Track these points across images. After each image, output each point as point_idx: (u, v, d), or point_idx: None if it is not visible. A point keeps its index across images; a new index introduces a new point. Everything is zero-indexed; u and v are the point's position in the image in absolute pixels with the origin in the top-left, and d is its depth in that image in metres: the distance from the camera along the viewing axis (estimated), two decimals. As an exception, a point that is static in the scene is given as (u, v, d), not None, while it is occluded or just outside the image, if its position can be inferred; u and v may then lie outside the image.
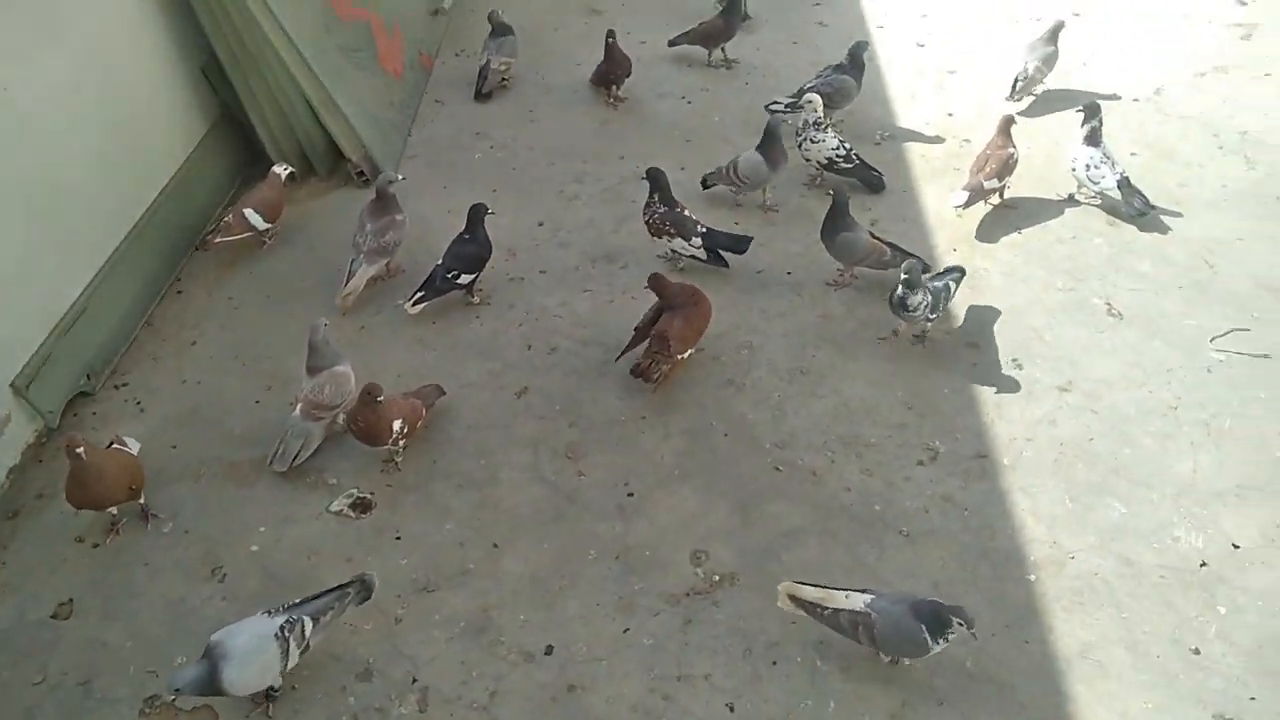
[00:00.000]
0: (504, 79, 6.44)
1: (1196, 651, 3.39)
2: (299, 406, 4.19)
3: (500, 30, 6.39)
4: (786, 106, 5.77)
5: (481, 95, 6.33)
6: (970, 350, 4.53)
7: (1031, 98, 6.04)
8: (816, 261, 4.98)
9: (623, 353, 4.48)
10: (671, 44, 6.58)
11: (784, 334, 4.68)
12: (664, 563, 3.77)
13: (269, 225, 5.20)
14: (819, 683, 3.38)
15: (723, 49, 6.52)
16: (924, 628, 3.13)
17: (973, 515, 3.86)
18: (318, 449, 4.22)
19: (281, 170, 5.30)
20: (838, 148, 5.27)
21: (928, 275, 4.50)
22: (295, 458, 4.14)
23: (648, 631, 3.56)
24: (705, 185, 5.39)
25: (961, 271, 4.63)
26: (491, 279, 5.00)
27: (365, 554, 3.87)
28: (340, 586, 3.46)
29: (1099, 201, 5.18)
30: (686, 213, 4.90)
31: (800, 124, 5.34)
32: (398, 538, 3.94)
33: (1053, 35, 5.91)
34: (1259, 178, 5.33)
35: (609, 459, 4.17)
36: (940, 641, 3.15)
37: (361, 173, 5.69)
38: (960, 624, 3.09)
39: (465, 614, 3.65)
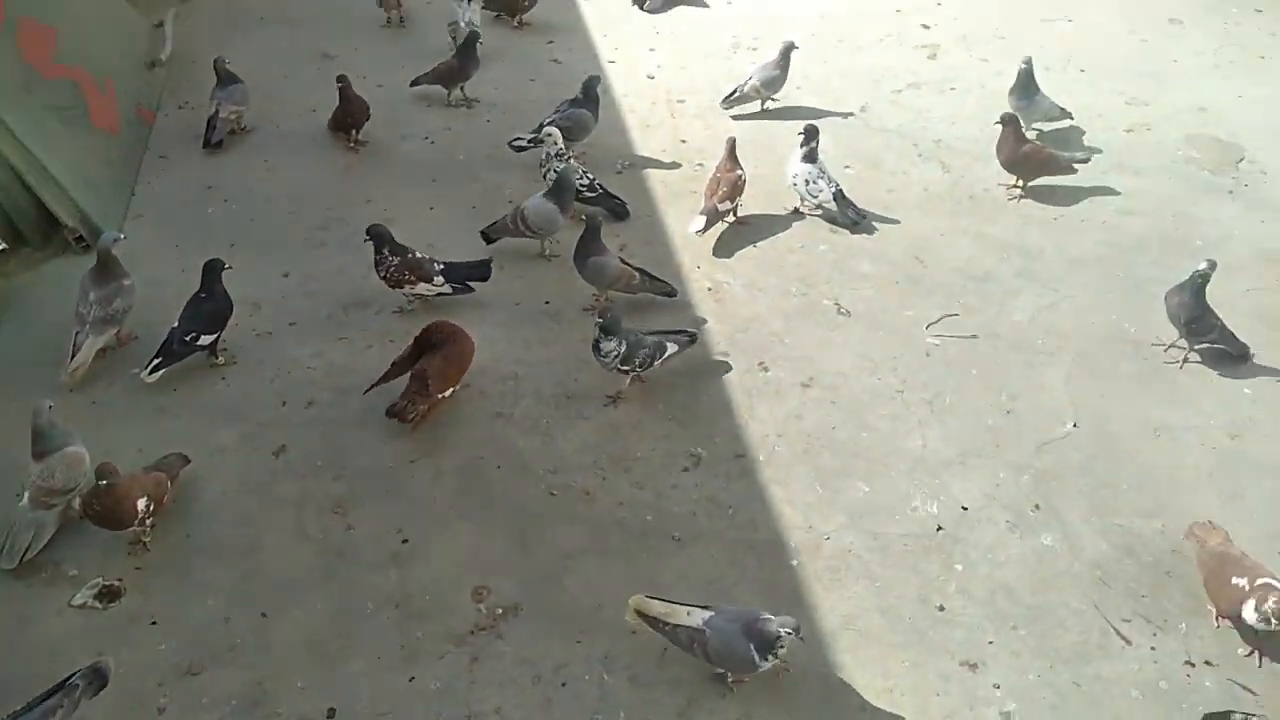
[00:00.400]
0: (235, 128, 6.19)
1: (941, 608, 3.73)
2: (27, 495, 3.84)
3: (228, 79, 6.14)
4: (529, 141, 5.89)
5: (211, 145, 6.04)
6: (722, 359, 4.78)
7: (756, 104, 6.51)
8: (572, 288, 5.09)
9: (375, 384, 4.41)
10: (413, 85, 6.57)
11: (547, 361, 4.76)
12: (445, 604, 3.73)
13: (-27, 302, 4.74)
14: (608, 696, 3.45)
15: (461, 88, 6.58)
16: (752, 646, 3.27)
17: (737, 512, 4.07)
18: (52, 539, 3.87)
19: (-3, 245, 4.87)
20: (581, 177, 5.43)
21: (655, 331, 4.59)
22: (26, 551, 3.78)
23: (434, 676, 3.51)
24: (489, 239, 5.31)
25: (691, 337, 4.64)
26: (236, 337, 4.79)
27: (118, 646, 3.57)
28: (65, 681, 3.18)
29: (820, 212, 5.62)
30: (419, 255, 4.88)
31: (543, 156, 5.48)
32: (153, 623, 3.67)
33: (782, 58, 6.39)
34: (953, 180, 5.97)
35: (379, 508, 4.08)
36: (769, 658, 3.29)
37: (80, 238, 5.29)
38: (790, 633, 3.25)
39: (236, 691, 3.46)
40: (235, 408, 4.50)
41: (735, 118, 6.48)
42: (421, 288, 4.84)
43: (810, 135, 5.47)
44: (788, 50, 6.40)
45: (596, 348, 4.35)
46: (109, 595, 3.76)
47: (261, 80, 6.58)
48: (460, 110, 6.56)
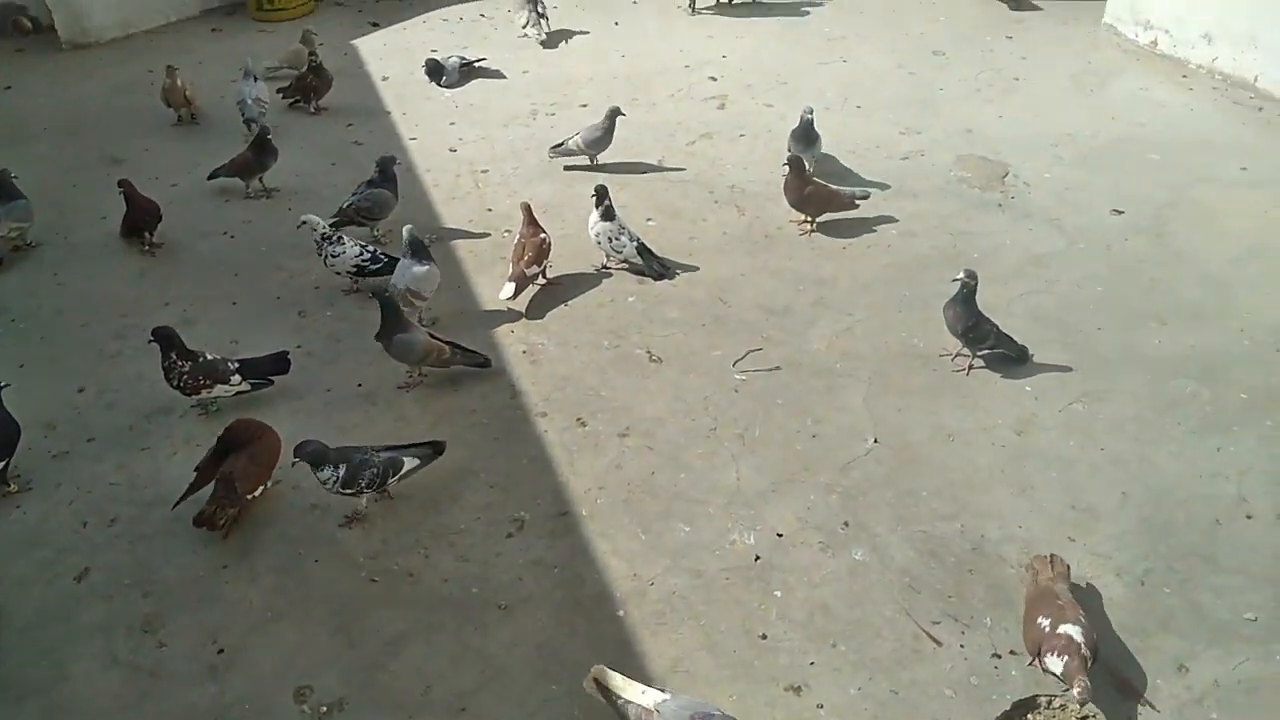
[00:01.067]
0: (19, 245, 5.94)
1: (764, 636, 3.85)
2: None
3: (9, 193, 5.90)
4: (330, 225, 5.85)
5: None
6: (541, 419, 4.84)
7: (585, 160, 6.75)
8: (384, 369, 5.07)
9: (182, 497, 4.26)
10: (210, 178, 6.47)
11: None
12: (267, 711, 3.60)
13: None
14: (442, 778, 3.40)
15: (260, 179, 6.51)
16: None
17: (562, 570, 4.11)
18: None
19: None
20: (360, 253, 5.49)
21: (385, 448, 4.31)
22: None
23: (259, 787, 3.39)
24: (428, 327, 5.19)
25: (436, 449, 4.40)
26: (30, 461, 4.55)
27: (-91, 812, 3.32)
28: None
29: (627, 266, 5.79)
30: (211, 356, 4.78)
31: (314, 243, 5.51)
32: (-53, 780, 3.43)
33: (607, 120, 6.61)
34: (748, 221, 6.27)
35: (192, 620, 3.92)
36: None
37: None
38: None
39: (43, 839, 3.25)
40: (32, 536, 4.27)
41: (564, 175, 6.66)
42: (219, 390, 4.73)
43: (600, 195, 5.65)
44: (613, 114, 6.61)
45: (318, 478, 4.15)
46: (-103, 759, 3.52)
47: (47, 192, 6.38)
48: (261, 201, 6.49)
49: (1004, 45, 8.49)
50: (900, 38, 8.66)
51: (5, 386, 4.40)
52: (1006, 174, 6.74)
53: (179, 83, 7.16)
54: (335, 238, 5.48)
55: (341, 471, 4.12)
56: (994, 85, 7.88)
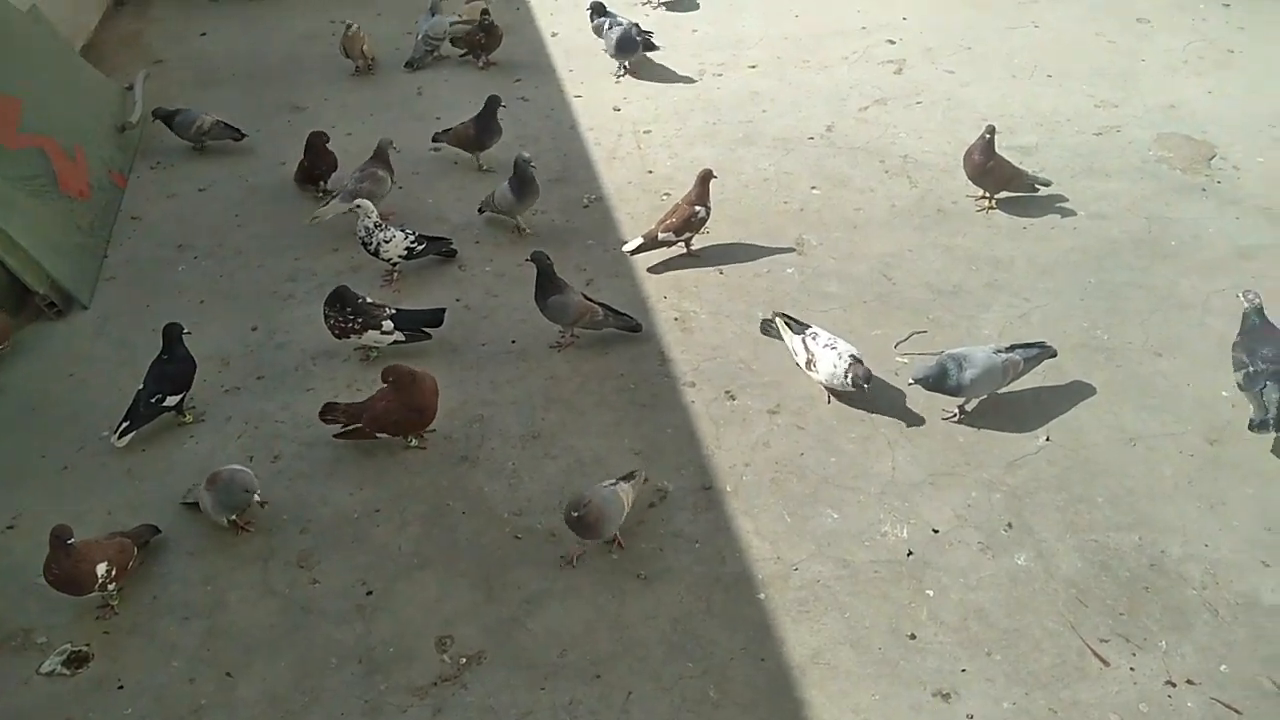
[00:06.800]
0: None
1: (912, 636, 3.66)
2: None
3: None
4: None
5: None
6: (688, 389, 4.74)
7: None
8: (539, 327, 5.07)
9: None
10: (433, 140, 6.42)
11: (513, 402, 4.73)
12: (409, 655, 3.69)
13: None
14: (572, 744, 3.39)
15: (477, 157, 6.43)
16: None
17: (703, 546, 4.02)
18: (23, 605, 3.87)
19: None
20: (408, 237, 5.36)
21: None
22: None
23: (397, 730, 3.46)
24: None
25: None
26: (205, 393, 4.79)
27: (85, 712, 3.57)
28: None
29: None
30: (369, 300, 4.87)
31: (362, 231, 5.31)
32: (120, 687, 3.65)
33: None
34: (920, 194, 5.93)
35: (344, 559, 4.05)
36: None
37: (52, 303, 5.32)
38: None
39: (199, 755, 3.42)
40: (203, 465, 4.46)
41: (728, 139, 6.49)
42: (369, 336, 4.83)
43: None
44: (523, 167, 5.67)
45: None
46: (77, 660, 3.74)
47: (232, 135, 6.64)
48: (427, 155, 6.56)
49: (1219, 14, 7.71)
50: (1100, 2, 7.99)
51: (187, 333, 4.63)
52: (1213, 155, 6.13)
53: (358, 34, 7.33)
54: (383, 225, 5.35)
55: None
56: (1204, 57, 7.17)
